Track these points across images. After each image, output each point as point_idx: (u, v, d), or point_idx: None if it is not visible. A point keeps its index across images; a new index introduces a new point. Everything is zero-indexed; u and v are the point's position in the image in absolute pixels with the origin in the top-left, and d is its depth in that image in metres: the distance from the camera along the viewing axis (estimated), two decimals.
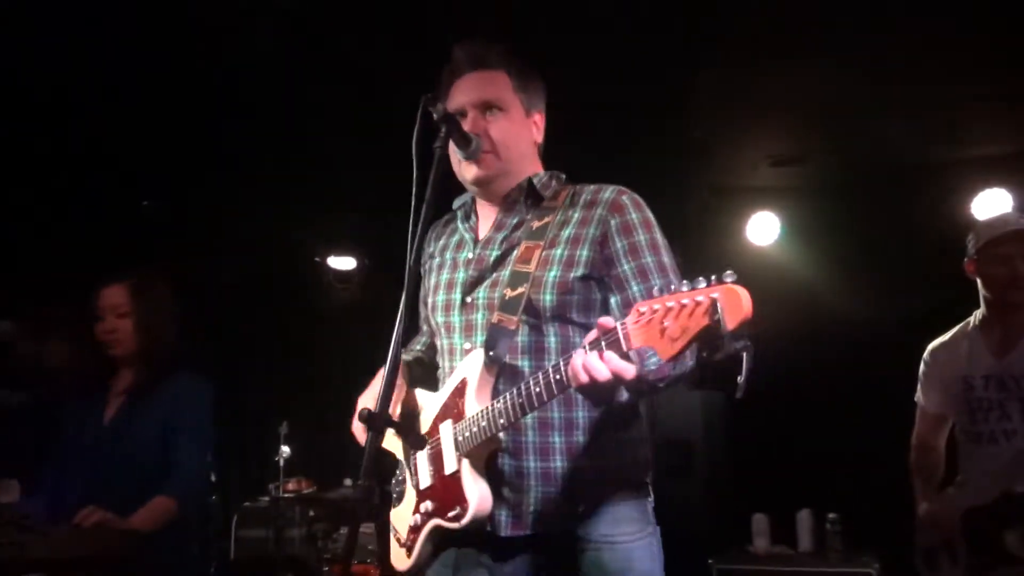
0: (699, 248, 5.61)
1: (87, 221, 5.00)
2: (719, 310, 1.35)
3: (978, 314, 3.05)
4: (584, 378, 1.56)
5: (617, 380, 1.55)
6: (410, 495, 1.95)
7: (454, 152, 1.96)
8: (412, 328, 2.21)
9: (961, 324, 3.10)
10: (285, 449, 5.38)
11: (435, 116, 1.76)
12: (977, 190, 4.90)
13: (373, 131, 4.35)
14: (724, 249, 5.60)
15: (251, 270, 6.10)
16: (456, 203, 2.15)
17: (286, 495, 5.30)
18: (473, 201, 2.11)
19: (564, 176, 2.09)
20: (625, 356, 1.54)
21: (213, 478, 4.46)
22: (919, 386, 3.18)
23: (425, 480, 1.91)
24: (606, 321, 1.57)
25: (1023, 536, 2.66)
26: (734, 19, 3.70)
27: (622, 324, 1.53)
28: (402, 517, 1.96)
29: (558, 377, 1.64)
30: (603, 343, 1.56)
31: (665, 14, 3.63)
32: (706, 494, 5.10)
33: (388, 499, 1.46)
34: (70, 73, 3.88)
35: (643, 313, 1.48)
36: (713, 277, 1.39)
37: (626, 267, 1.89)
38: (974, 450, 2.95)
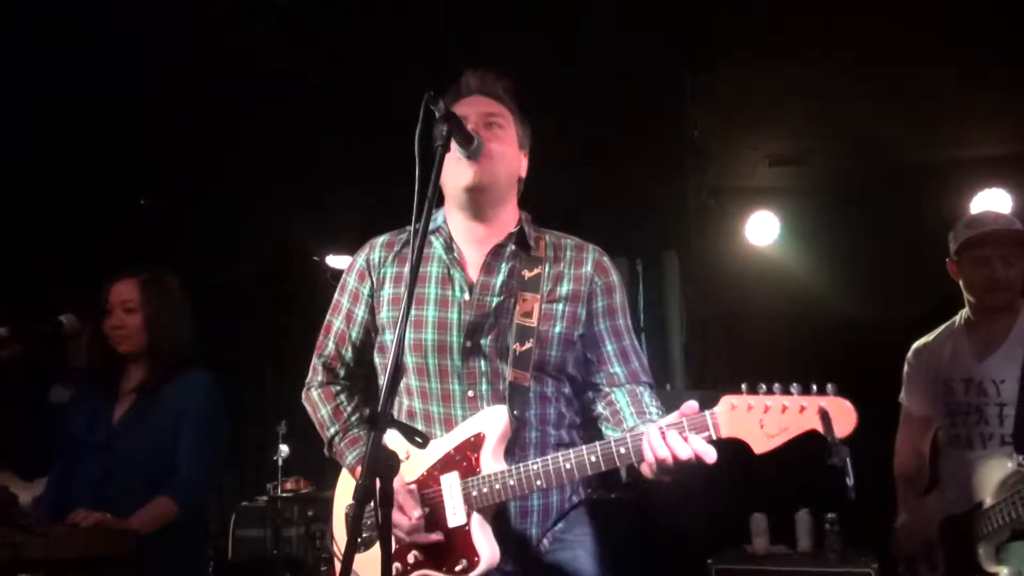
0: (698, 248, 5.61)
1: (84, 219, 4.99)
2: (829, 418, 1.55)
3: (963, 314, 2.97)
4: (665, 455, 1.65)
5: (697, 463, 1.65)
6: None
7: (448, 157, 1.93)
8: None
9: (946, 324, 3.04)
10: (283, 448, 5.38)
11: (437, 114, 1.75)
12: (976, 190, 4.91)
13: (371, 130, 4.35)
14: (723, 249, 5.60)
15: (248, 269, 6.10)
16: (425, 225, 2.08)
17: (284, 495, 5.30)
18: (448, 231, 2.04)
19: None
20: (711, 442, 1.65)
21: None
22: (903, 387, 3.13)
23: None
24: (691, 406, 1.68)
25: (996, 551, 2.61)
26: (733, 20, 3.70)
27: (711, 413, 1.65)
28: (372, 564, 1.85)
29: (623, 451, 1.72)
30: (686, 426, 1.66)
31: (664, 15, 3.63)
32: (704, 494, 5.09)
33: (389, 499, 1.45)
34: (68, 73, 3.87)
35: (736, 406, 1.63)
36: (815, 386, 1.60)
37: (602, 326, 2.04)
38: (952, 455, 2.88)
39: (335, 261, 6.64)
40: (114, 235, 4.99)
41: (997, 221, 2.86)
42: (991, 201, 4.84)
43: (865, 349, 5.02)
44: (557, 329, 1.97)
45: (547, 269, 2.02)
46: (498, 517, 1.88)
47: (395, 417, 1.90)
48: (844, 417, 1.58)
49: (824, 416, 1.56)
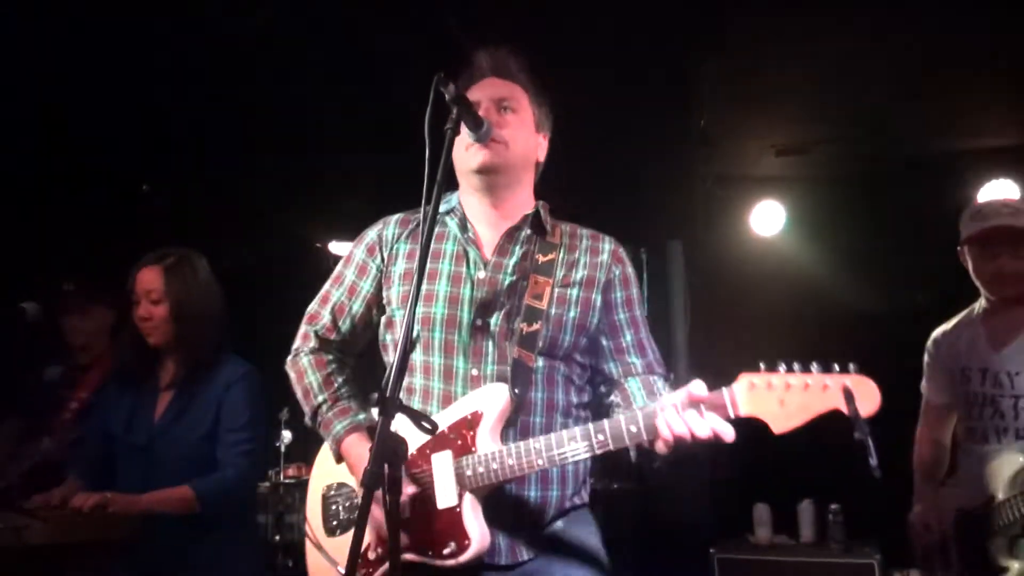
0: (703, 238, 5.59)
1: (86, 205, 4.97)
2: (852, 397, 1.53)
3: (982, 301, 2.95)
4: (683, 431, 1.64)
5: (715, 440, 1.64)
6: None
7: (459, 141, 1.91)
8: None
9: (965, 311, 3.01)
10: (286, 435, 5.38)
11: (447, 96, 1.72)
12: (983, 180, 4.88)
13: (374, 116, 4.33)
14: (728, 239, 5.58)
15: (252, 255, 6.08)
16: (442, 207, 2.04)
17: (286, 481, 5.31)
18: (463, 211, 2.03)
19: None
20: (728, 420, 1.64)
21: None
22: (924, 376, 3.12)
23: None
24: (699, 384, 1.66)
25: (1008, 546, 2.61)
26: (738, 8, 3.67)
27: (729, 390, 1.63)
28: (344, 548, 1.69)
29: (633, 429, 1.69)
30: (704, 404, 1.65)
31: (669, 3, 3.61)
32: (708, 484, 5.09)
33: (397, 485, 1.44)
34: (69, 58, 3.84)
35: (756, 384, 1.61)
36: (836, 366, 1.58)
37: (622, 316, 2.03)
38: (969, 447, 2.89)
39: (338, 248, 6.62)
40: (116, 220, 4.97)
41: (1001, 214, 2.81)
42: (999, 191, 4.81)
43: (871, 340, 5.00)
44: (571, 314, 1.95)
45: (561, 255, 2.00)
46: (490, 505, 1.80)
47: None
48: (868, 396, 1.56)
49: (848, 394, 1.54)
